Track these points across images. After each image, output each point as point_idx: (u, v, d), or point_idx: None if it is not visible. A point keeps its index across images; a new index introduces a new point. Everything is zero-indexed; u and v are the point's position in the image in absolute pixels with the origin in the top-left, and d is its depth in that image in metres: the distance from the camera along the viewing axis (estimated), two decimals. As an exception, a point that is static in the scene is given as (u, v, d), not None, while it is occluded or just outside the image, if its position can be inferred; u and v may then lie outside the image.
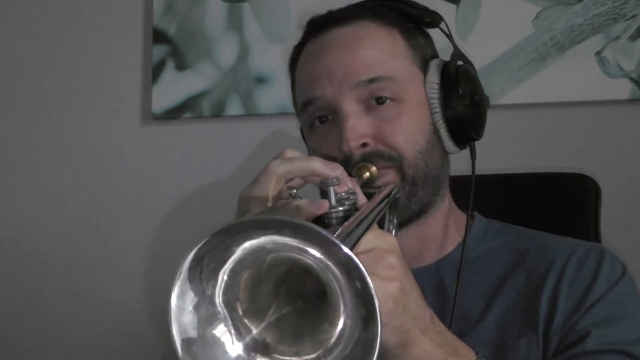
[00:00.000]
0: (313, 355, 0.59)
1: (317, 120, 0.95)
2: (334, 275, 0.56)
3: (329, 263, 0.55)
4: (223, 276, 0.59)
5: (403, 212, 0.92)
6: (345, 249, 0.53)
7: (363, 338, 0.55)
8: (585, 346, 0.83)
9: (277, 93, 1.60)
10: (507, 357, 0.84)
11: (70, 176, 1.73)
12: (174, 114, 1.66)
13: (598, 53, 1.42)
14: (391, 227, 0.89)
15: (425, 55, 0.97)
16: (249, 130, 1.63)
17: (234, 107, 1.62)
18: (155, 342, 1.62)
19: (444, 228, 0.99)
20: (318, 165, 0.72)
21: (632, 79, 1.40)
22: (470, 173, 0.98)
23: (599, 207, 1.13)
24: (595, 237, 1.12)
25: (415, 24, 0.99)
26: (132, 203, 1.70)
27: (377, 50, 0.94)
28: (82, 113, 1.73)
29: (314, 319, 0.61)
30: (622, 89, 1.40)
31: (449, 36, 1.00)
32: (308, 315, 0.63)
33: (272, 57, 1.60)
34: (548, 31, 1.44)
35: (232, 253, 0.58)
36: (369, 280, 0.53)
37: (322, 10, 1.54)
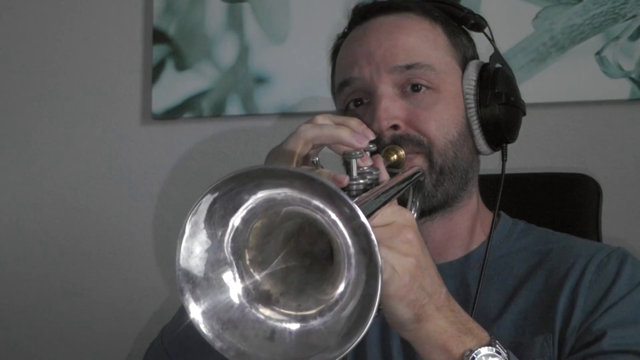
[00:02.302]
0: (314, 310, 0.60)
1: (352, 103, 0.96)
2: (340, 231, 0.56)
3: (336, 218, 0.56)
4: (233, 223, 0.60)
5: (428, 200, 0.92)
6: (351, 202, 0.53)
7: (364, 295, 0.56)
8: (601, 346, 0.83)
9: (277, 93, 1.60)
10: (523, 354, 0.85)
11: (70, 176, 1.73)
12: (174, 114, 1.66)
13: (598, 53, 1.42)
14: (413, 210, 0.89)
15: (465, 54, 0.99)
16: (249, 130, 1.63)
17: (234, 107, 1.62)
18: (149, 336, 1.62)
19: (470, 226, 0.99)
20: (345, 134, 0.73)
21: (632, 79, 1.40)
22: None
23: (599, 207, 1.13)
24: (596, 237, 1.12)
25: (460, 25, 1.00)
26: (132, 203, 1.70)
27: (419, 38, 0.95)
28: (82, 113, 1.73)
29: (320, 276, 0.62)
30: (622, 89, 1.40)
31: (491, 40, 1.00)
32: (314, 273, 0.64)
33: (272, 57, 1.60)
34: (548, 31, 1.44)
35: (244, 201, 0.59)
36: (373, 237, 0.53)
37: (321, 8, 1.54)
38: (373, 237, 0.53)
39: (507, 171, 1.02)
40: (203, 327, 0.59)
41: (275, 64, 1.60)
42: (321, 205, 0.56)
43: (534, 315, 0.89)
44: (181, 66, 1.65)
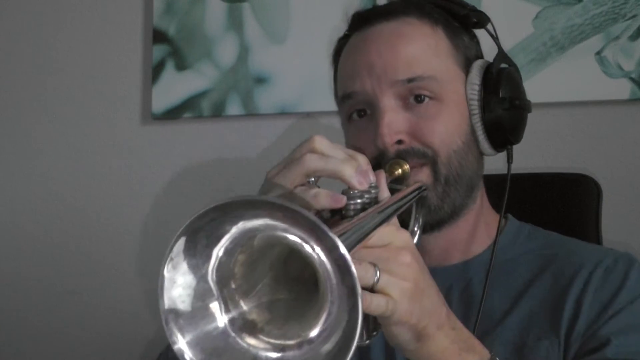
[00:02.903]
0: (295, 341, 0.59)
1: (355, 114, 0.95)
2: (322, 262, 0.55)
3: (318, 249, 0.55)
4: (218, 253, 0.59)
5: (435, 214, 0.91)
6: (331, 234, 0.52)
7: (344, 328, 0.55)
8: (605, 353, 0.82)
9: (277, 93, 1.60)
10: (527, 358, 0.84)
11: (70, 176, 1.73)
12: (174, 114, 1.66)
13: (598, 53, 1.42)
14: (416, 227, 0.88)
15: (468, 55, 0.97)
16: (249, 130, 1.63)
17: (234, 107, 1.62)
18: (155, 341, 1.62)
19: (473, 229, 0.98)
20: (348, 173, 0.70)
21: (632, 79, 1.40)
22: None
23: (599, 207, 1.13)
24: (596, 237, 1.12)
25: (461, 24, 0.98)
26: (132, 203, 1.70)
27: (420, 47, 0.93)
28: (82, 113, 1.73)
29: (306, 305, 0.61)
30: (622, 89, 1.40)
31: (494, 38, 0.99)
32: (301, 301, 0.62)
33: (272, 57, 1.60)
34: (548, 31, 1.44)
35: (226, 231, 0.58)
36: (353, 269, 0.52)
37: (321, 8, 1.54)
38: (353, 269, 0.52)
39: (506, 171, 1.02)
40: (187, 357, 0.58)
41: (275, 64, 1.60)
42: (303, 236, 0.55)
43: (539, 319, 0.89)
44: (181, 66, 1.66)
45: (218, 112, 1.63)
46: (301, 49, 1.58)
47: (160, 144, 1.69)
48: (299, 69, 1.58)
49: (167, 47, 1.66)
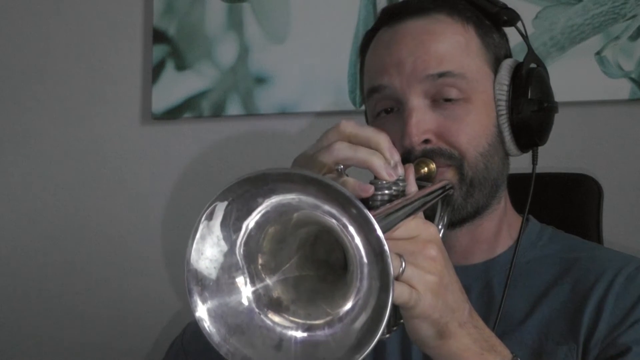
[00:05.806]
0: (323, 320, 0.59)
1: (383, 112, 0.94)
2: (353, 240, 0.55)
3: (349, 226, 0.55)
4: (247, 226, 0.59)
5: (458, 213, 0.91)
6: (364, 210, 0.52)
7: (374, 307, 0.55)
8: None
9: (277, 93, 1.60)
10: None
11: (70, 176, 1.73)
12: (174, 114, 1.66)
13: (598, 53, 1.42)
14: (440, 225, 0.88)
15: (498, 54, 0.95)
16: (249, 130, 1.63)
17: (234, 107, 1.62)
18: (155, 341, 1.62)
19: (497, 229, 0.98)
20: (378, 163, 0.70)
21: (632, 79, 1.40)
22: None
23: (600, 207, 1.13)
24: (597, 237, 1.11)
25: (492, 22, 0.96)
26: (131, 203, 1.70)
27: (450, 45, 0.91)
28: (82, 113, 1.73)
29: (333, 286, 0.61)
30: (622, 89, 1.40)
31: (524, 37, 0.97)
32: (328, 283, 0.62)
33: (272, 57, 1.60)
34: (548, 31, 1.44)
35: (258, 205, 0.58)
36: (386, 247, 0.52)
37: (321, 8, 1.54)
38: (386, 247, 0.52)
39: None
40: (210, 331, 0.58)
41: (275, 64, 1.60)
42: (335, 212, 0.55)
43: (558, 324, 0.88)
44: (181, 66, 1.65)
45: (218, 112, 1.63)
46: (301, 49, 1.58)
47: (160, 144, 1.69)
48: (299, 69, 1.58)
49: (167, 47, 1.66)
